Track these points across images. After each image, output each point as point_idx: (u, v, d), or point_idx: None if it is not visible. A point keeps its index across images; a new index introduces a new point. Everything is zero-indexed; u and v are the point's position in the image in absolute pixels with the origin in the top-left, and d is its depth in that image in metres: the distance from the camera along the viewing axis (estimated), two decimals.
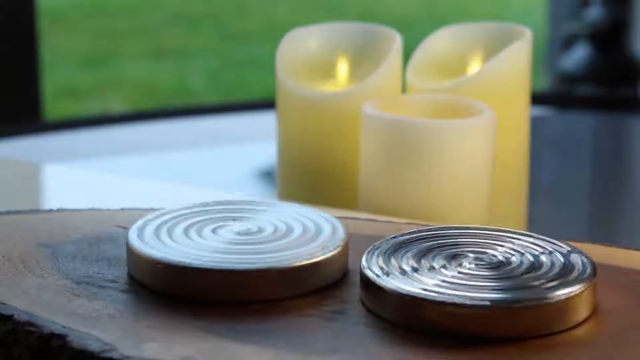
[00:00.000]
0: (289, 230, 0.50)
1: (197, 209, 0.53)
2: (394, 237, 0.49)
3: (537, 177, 1.04)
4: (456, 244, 0.49)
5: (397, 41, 0.69)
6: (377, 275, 0.46)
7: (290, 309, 0.46)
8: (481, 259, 0.47)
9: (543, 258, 0.47)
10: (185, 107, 2.57)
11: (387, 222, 0.57)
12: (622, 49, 2.35)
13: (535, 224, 0.82)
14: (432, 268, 0.46)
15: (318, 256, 0.48)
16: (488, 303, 0.43)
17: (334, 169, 0.69)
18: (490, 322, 0.43)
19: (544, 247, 0.48)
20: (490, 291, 0.44)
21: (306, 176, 0.69)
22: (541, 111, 1.34)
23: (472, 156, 0.63)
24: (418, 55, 0.72)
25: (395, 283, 0.45)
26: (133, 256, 0.48)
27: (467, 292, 0.44)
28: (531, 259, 0.47)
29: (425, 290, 0.44)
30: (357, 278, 0.48)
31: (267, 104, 1.20)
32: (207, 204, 0.53)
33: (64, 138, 1.22)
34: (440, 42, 0.73)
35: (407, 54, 0.71)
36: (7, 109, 1.78)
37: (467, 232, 0.50)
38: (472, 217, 0.64)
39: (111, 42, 3.44)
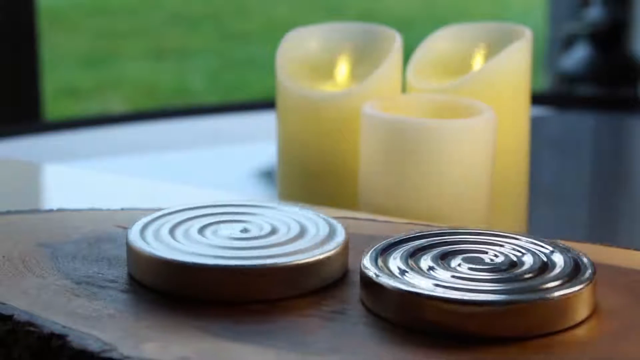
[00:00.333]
0: (289, 230, 0.50)
1: (197, 209, 0.53)
2: (394, 237, 0.49)
3: (537, 177, 1.04)
4: (456, 244, 0.49)
5: (397, 41, 0.69)
6: (377, 275, 0.46)
7: (290, 309, 0.46)
8: (481, 259, 0.47)
9: (543, 258, 0.47)
10: (185, 107, 2.57)
11: (387, 222, 0.57)
12: (622, 49, 2.35)
13: (535, 224, 0.82)
14: (432, 268, 0.46)
15: (318, 256, 0.48)
16: (488, 303, 0.43)
17: (334, 169, 0.68)
18: (490, 322, 0.43)
19: (543, 248, 0.48)
20: (490, 291, 0.44)
21: (306, 176, 0.69)
22: (541, 111, 1.34)
23: (472, 156, 0.63)
24: (418, 55, 0.72)
25: (395, 283, 0.45)
26: (133, 256, 0.48)
27: (467, 292, 0.44)
28: (531, 259, 0.47)
29: (425, 290, 0.44)
30: (357, 278, 0.48)
31: (267, 104, 1.20)
32: (207, 204, 0.53)
33: (64, 138, 1.22)
34: (440, 42, 0.73)
35: (407, 54, 0.71)
36: (7, 109, 1.78)
37: (467, 233, 0.50)
38: (472, 217, 0.64)
39: (111, 42, 3.44)
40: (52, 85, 2.87)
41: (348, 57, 0.72)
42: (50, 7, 3.48)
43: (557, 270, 0.46)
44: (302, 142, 0.69)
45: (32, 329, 0.44)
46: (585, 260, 0.47)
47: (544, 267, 0.47)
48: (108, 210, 0.57)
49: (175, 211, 0.52)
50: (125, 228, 0.53)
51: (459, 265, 0.47)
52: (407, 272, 0.46)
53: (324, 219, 0.52)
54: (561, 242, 0.49)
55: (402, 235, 0.50)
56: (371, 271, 0.46)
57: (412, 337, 0.43)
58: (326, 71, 0.72)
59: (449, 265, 0.47)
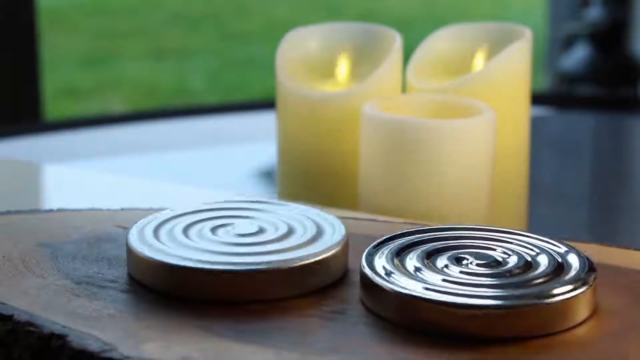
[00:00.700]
0: (289, 230, 0.50)
1: (197, 209, 0.53)
2: (394, 237, 0.49)
3: (537, 177, 1.04)
4: (456, 244, 0.49)
5: (397, 41, 0.69)
6: (377, 275, 0.46)
7: (290, 309, 0.46)
8: (481, 259, 0.47)
9: (543, 258, 0.47)
10: (185, 107, 2.57)
11: (387, 222, 0.57)
12: (622, 49, 2.35)
13: (535, 223, 0.82)
14: (432, 268, 0.46)
15: (318, 256, 0.48)
16: (488, 303, 0.43)
17: (333, 169, 0.69)
18: (490, 322, 0.43)
19: (543, 247, 0.48)
20: (490, 291, 0.44)
21: (306, 176, 0.69)
22: (541, 111, 1.34)
23: (472, 156, 0.63)
24: (418, 55, 0.72)
25: (395, 283, 0.45)
26: (133, 256, 0.48)
27: (467, 292, 0.44)
28: (531, 259, 0.47)
29: (425, 290, 0.44)
30: (357, 278, 0.48)
31: (267, 104, 1.20)
32: (207, 204, 0.53)
33: (64, 138, 1.22)
34: (440, 42, 0.73)
35: (407, 54, 0.71)
36: (7, 109, 1.78)
37: (467, 232, 0.50)
38: (472, 217, 0.64)
39: (111, 42, 3.44)
40: (52, 85, 2.86)
41: (348, 57, 0.72)
42: (50, 7, 3.48)
43: (557, 270, 0.46)
44: (302, 142, 0.69)
45: (32, 329, 0.44)
46: (585, 260, 0.47)
47: (543, 267, 0.47)
48: (108, 210, 0.57)
49: (176, 211, 0.52)
50: (125, 228, 0.53)
51: (460, 265, 0.47)
52: (407, 272, 0.46)
53: (324, 218, 0.51)
54: (561, 242, 0.49)
55: (403, 235, 0.50)
56: (371, 271, 0.46)
57: (412, 337, 0.43)
58: (326, 71, 0.72)
59: (450, 265, 0.47)
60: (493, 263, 0.47)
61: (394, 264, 0.47)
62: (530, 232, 0.50)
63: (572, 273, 0.46)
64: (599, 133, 1.35)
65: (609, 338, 0.44)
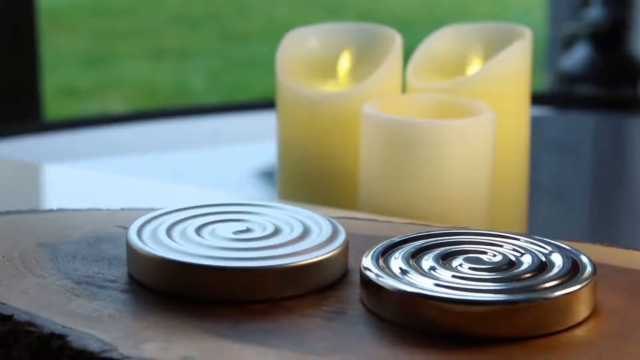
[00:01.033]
0: (289, 230, 0.50)
1: (197, 209, 0.53)
2: (394, 237, 0.49)
3: (537, 177, 1.04)
4: (456, 245, 0.49)
5: (397, 41, 0.69)
6: (377, 275, 0.46)
7: (290, 309, 0.46)
8: (481, 260, 0.47)
9: (542, 258, 0.47)
10: (185, 107, 2.57)
11: (387, 222, 0.57)
12: (622, 49, 2.35)
13: (535, 224, 0.82)
14: (432, 268, 0.46)
15: (318, 256, 0.48)
16: (488, 303, 0.43)
17: (334, 169, 0.69)
18: (490, 322, 0.43)
19: (543, 248, 0.48)
20: (489, 291, 0.44)
21: (306, 176, 0.69)
22: (541, 111, 1.34)
23: (472, 156, 0.63)
24: (418, 55, 0.72)
25: (395, 283, 0.45)
26: (133, 256, 0.48)
27: (467, 292, 0.44)
28: (530, 259, 0.47)
29: (425, 290, 0.44)
30: (357, 278, 0.48)
31: (267, 104, 1.20)
32: (206, 204, 0.53)
33: (64, 138, 1.22)
34: (440, 42, 0.73)
35: (407, 54, 0.71)
36: (7, 109, 1.78)
37: (467, 233, 0.50)
38: (472, 217, 0.64)
39: (111, 42, 3.44)
40: (52, 85, 2.87)
41: (348, 57, 0.72)
42: (50, 7, 3.48)
43: (556, 270, 0.46)
44: (302, 142, 0.69)
45: (32, 329, 0.44)
46: (585, 260, 0.47)
47: (543, 267, 0.47)
48: (108, 210, 0.57)
49: (175, 211, 0.52)
50: (125, 228, 0.53)
51: (460, 265, 0.47)
52: (407, 272, 0.46)
53: (324, 218, 0.52)
54: (561, 242, 0.49)
55: (403, 235, 0.50)
56: (371, 271, 0.46)
57: (412, 337, 0.44)
58: (326, 71, 0.72)
59: (450, 265, 0.47)
60: (491, 264, 0.47)
61: (393, 264, 0.47)
62: (532, 232, 0.50)
63: (574, 273, 0.46)
64: (599, 133, 1.35)
65: (609, 338, 0.44)
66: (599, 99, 1.94)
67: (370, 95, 0.67)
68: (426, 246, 0.49)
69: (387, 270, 0.46)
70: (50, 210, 0.57)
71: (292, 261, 0.47)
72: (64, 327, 0.44)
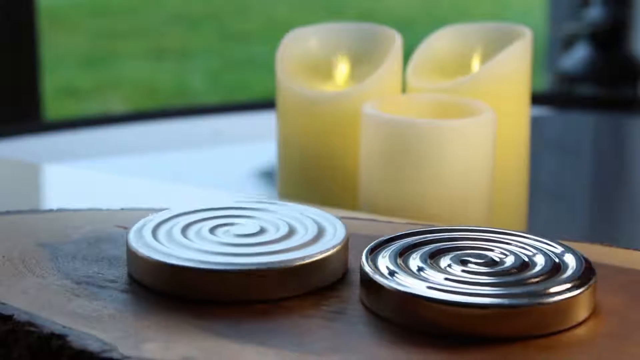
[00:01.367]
0: (290, 230, 0.50)
1: (197, 210, 0.53)
2: (394, 237, 0.49)
3: (537, 177, 1.04)
4: (456, 245, 0.49)
5: (397, 41, 0.69)
6: (377, 275, 0.46)
7: (290, 308, 0.46)
8: (481, 259, 0.47)
9: (542, 258, 0.47)
10: (185, 107, 2.57)
11: (387, 222, 0.57)
12: (622, 49, 2.35)
13: (535, 224, 0.82)
14: (432, 268, 0.46)
15: (318, 256, 0.48)
16: (488, 303, 0.43)
17: (334, 168, 0.69)
18: (490, 322, 0.43)
19: (543, 248, 0.48)
20: (490, 291, 0.44)
21: (306, 176, 0.69)
22: (541, 111, 1.34)
23: (472, 156, 0.63)
24: (418, 55, 0.72)
25: (395, 283, 0.45)
26: (133, 256, 0.48)
27: (467, 292, 0.44)
28: (530, 259, 0.47)
29: (425, 290, 0.44)
30: (357, 278, 0.48)
31: (267, 104, 1.20)
32: (207, 205, 0.53)
33: (64, 138, 1.22)
34: (440, 42, 0.73)
35: (407, 54, 0.71)
36: (7, 109, 1.78)
37: (467, 233, 0.50)
38: (472, 217, 0.64)
39: (111, 42, 3.44)
40: (52, 85, 2.87)
41: (348, 57, 0.72)
42: (50, 7, 3.48)
43: (557, 270, 0.46)
44: (302, 142, 0.69)
45: (32, 329, 0.44)
46: (585, 260, 0.47)
47: (543, 267, 0.47)
48: (108, 210, 0.57)
49: (175, 211, 0.52)
50: (125, 228, 0.53)
51: (460, 265, 0.47)
52: (407, 272, 0.46)
53: (324, 218, 0.51)
54: (561, 242, 0.49)
55: (403, 235, 0.50)
56: (371, 271, 0.46)
57: (411, 337, 0.43)
58: (326, 71, 0.72)
59: (450, 265, 0.47)
60: (494, 263, 0.47)
61: (396, 264, 0.47)
62: (531, 233, 0.50)
63: (574, 273, 0.46)
64: (599, 133, 1.35)
65: (609, 338, 0.44)
66: (599, 99, 1.94)
67: (370, 95, 0.67)
68: (426, 246, 0.49)
69: (387, 270, 0.46)
70: (50, 210, 0.57)
71: (292, 261, 0.47)
72: (64, 327, 0.44)
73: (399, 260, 0.47)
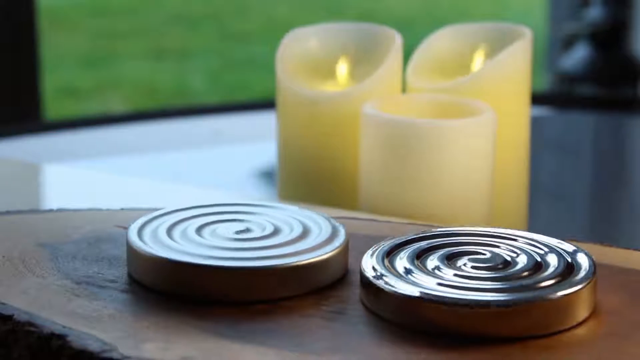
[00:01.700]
0: (289, 230, 0.50)
1: (196, 209, 0.53)
2: (394, 238, 0.49)
3: (537, 177, 1.04)
4: (456, 244, 0.49)
5: (397, 41, 0.69)
6: (377, 276, 0.46)
7: (290, 309, 0.46)
8: (481, 259, 0.47)
9: (542, 258, 0.47)
10: (185, 107, 2.57)
11: (387, 222, 0.57)
12: (622, 49, 2.35)
13: (535, 223, 0.82)
14: (432, 268, 0.46)
15: (318, 256, 0.48)
16: (488, 303, 0.43)
17: (334, 169, 0.69)
18: (490, 322, 0.43)
19: (543, 247, 0.48)
20: (490, 291, 0.44)
21: (306, 176, 0.69)
22: (541, 111, 1.34)
23: (472, 156, 0.63)
24: (418, 55, 0.72)
25: (395, 283, 0.45)
26: (133, 256, 0.48)
27: (467, 292, 0.44)
28: (531, 258, 0.47)
29: (425, 290, 0.44)
30: (357, 278, 0.48)
31: (267, 104, 1.20)
32: (206, 204, 0.53)
33: (64, 138, 1.22)
34: (440, 42, 0.73)
35: (407, 54, 0.71)
36: (7, 109, 1.78)
37: (467, 233, 0.50)
38: (472, 217, 0.64)
39: (111, 42, 3.44)
40: (52, 85, 2.86)
41: (348, 57, 0.72)
42: (50, 7, 3.48)
43: (557, 270, 0.46)
44: (302, 142, 0.69)
45: (32, 329, 0.44)
46: (585, 259, 0.47)
47: (543, 266, 0.47)
48: (108, 210, 0.57)
49: (175, 211, 0.52)
50: (125, 228, 0.53)
51: (460, 265, 0.47)
52: (407, 272, 0.46)
53: (324, 218, 0.52)
54: (561, 242, 0.49)
55: (403, 235, 0.50)
56: (371, 271, 0.46)
57: (412, 337, 0.43)
58: (326, 71, 0.72)
59: (450, 265, 0.47)
60: (492, 263, 0.47)
61: (393, 264, 0.47)
62: (532, 232, 0.50)
63: (574, 273, 0.46)
64: (599, 133, 1.35)
65: (609, 338, 0.44)
66: (599, 99, 1.94)
67: (370, 95, 0.67)
68: (426, 246, 0.49)
69: (387, 270, 0.46)
70: (50, 210, 0.57)
71: (292, 261, 0.47)
72: (64, 327, 0.44)
73: (394, 261, 0.47)
